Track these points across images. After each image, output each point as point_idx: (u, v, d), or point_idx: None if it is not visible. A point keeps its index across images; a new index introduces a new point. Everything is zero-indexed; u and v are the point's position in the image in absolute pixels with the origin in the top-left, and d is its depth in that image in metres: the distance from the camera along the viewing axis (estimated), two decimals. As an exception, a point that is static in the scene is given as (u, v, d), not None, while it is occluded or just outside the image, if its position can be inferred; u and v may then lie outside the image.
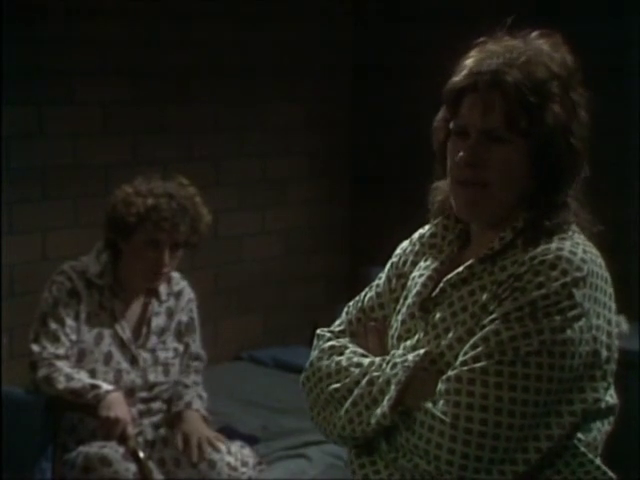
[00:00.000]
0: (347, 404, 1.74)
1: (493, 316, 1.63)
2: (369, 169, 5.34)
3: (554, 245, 1.64)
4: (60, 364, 3.24)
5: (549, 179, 1.69)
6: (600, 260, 1.69)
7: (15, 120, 4.13)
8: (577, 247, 1.65)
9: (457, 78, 1.73)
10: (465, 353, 1.63)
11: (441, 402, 1.62)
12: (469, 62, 1.73)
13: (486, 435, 1.58)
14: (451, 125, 1.74)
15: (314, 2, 5.16)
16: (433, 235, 1.85)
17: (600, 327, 1.64)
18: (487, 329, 1.62)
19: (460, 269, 1.72)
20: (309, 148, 5.26)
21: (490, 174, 1.68)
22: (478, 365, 1.60)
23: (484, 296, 1.67)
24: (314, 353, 1.85)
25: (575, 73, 1.73)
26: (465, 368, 1.61)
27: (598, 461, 1.68)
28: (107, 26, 4.40)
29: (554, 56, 1.71)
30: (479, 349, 1.61)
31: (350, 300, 1.96)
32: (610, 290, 1.69)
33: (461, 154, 1.70)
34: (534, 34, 1.74)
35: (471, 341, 1.63)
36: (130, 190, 3.34)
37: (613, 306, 1.69)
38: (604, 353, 1.65)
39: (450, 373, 1.63)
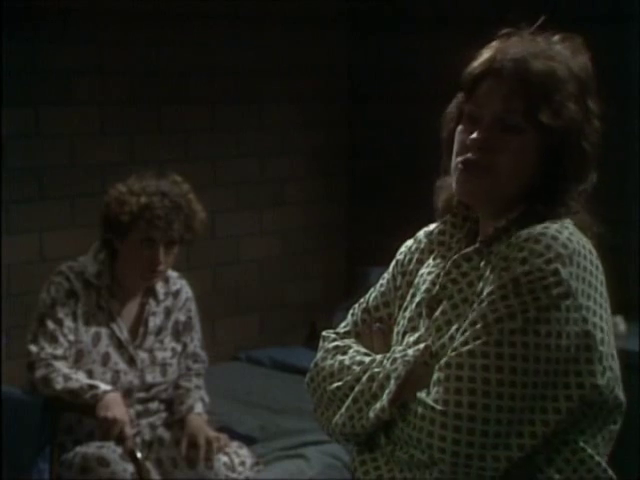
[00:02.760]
0: (348, 401, 1.73)
1: (480, 298, 1.62)
2: (367, 169, 5.34)
3: (541, 225, 1.63)
4: (58, 364, 3.23)
5: (555, 177, 1.67)
6: (590, 247, 1.66)
7: (13, 120, 4.12)
8: (564, 229, 1.63)
9: (478, 62, 1.71)
10: (456, 340, 1.62)
11: (434, 390, 1.61)
12: (492, 49, 1.72)
13: (475, 419, 1.55)
14: (465, 109, 1.72)
15: (312, 2, 5.15)
16: (441, 233, 1.84)
17: (590, 308, 1.60)
18: (474, 313, 1.61)
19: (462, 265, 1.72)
20: (307, 148, 5.25)
21: (499, 161, 1.66)
22: (465, 349, 1.59)
23: (480, 284, 1.66)
24: (319, 354, 1.85)
25: (593, 80, 1.72)
26: (454, 353, 1.60)
27: (598, 457, 1.65)
28: (106, 26, 4.40)
29: (575, 60, 1.70)
30: (467, 333, 1.60)
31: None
32: (602, 277, 1.65)
33: (474, 136, 1.68)
34: (557, 37, 1.73)
35: (461, 328, 1.63)
36: (123, 189, 3.34)
37: (605, 294, 1.66)
38: (598, 334, 1.60)
39: (441, 361, 1.62)
